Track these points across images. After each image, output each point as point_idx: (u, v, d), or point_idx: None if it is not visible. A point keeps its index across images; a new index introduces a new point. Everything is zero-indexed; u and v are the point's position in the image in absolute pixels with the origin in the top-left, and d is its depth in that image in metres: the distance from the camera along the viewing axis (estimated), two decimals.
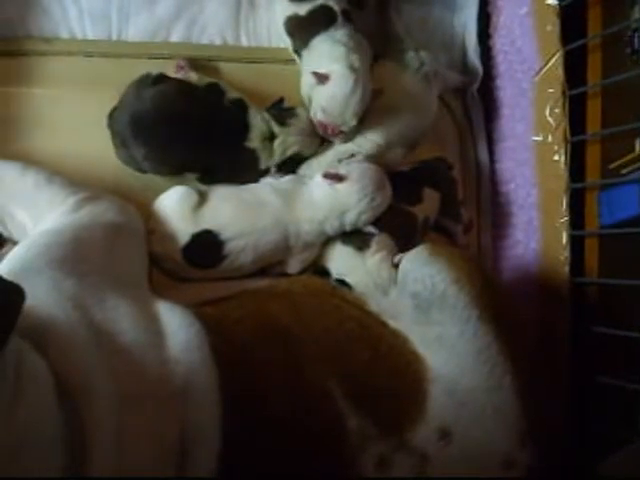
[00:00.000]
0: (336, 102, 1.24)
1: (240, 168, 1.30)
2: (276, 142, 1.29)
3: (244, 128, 1.28)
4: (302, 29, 1.31)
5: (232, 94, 1.29)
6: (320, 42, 1.29)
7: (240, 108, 1.29)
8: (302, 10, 1.30)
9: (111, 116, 1.25)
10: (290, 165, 1.33)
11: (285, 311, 1.09)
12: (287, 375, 0.96)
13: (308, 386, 0.97)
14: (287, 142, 1.30)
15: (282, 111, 1.31)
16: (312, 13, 1.30)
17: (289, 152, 1.31)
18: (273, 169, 1.31)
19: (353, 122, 1.25)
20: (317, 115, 1.27)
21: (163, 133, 1.22)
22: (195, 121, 1.24)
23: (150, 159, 1.23)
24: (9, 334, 0.70)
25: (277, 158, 1.31)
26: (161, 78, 1.26)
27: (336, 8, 1.29)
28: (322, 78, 1.25)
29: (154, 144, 1.22)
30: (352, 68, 1.24)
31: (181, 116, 1.24)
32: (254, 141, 1.28)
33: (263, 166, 1.31)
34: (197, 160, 1.28)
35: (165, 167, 1.26)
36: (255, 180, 1.31)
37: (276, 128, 1.29)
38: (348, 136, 1.30)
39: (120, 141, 1.24)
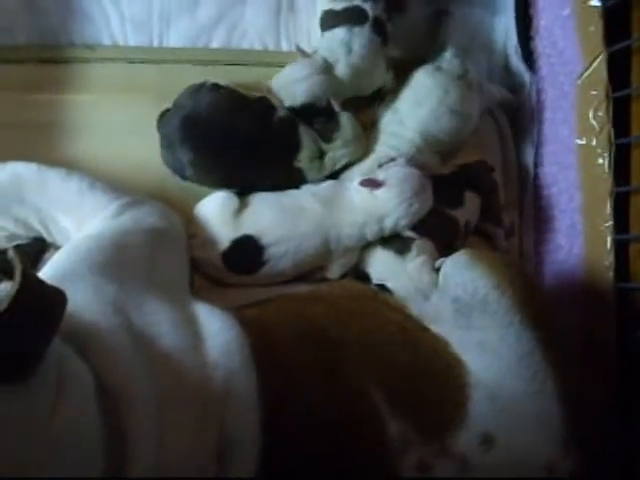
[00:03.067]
0: (285, 76, 1.30)
1: (283, 185, 1.30)
2: (326, 158, 1.30)
3: (294, 148, 1.28)
4: (332, 20, 1.33)
5: (283, 111, 1.29)
6: (337, 32, 1.31)
7: (291, 126, 1.29)
8: (338, 6, 1.32)
9: (162, 118, 1.26)
10: (336, 173, 1.34)
11: (325, 314, 1.08)
12: (327, 379, 0.96)
13: (348, 390, 0.96)
14: (336, 157, 1.30)
15: (326, 124, 1.31)
16: (346, 10, 1.31)
17: (338, 165, 1.32)
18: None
19: (291, 101, 1.29)
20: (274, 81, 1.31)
21: (213, 142, 1.23)
22: (246, 136, 1.25)
23: (196, 166, 1.24)
24: (51, 338, 0.71)
25: (327, 172, 1.32)
26: (217, 86, 1.26)
27: (370, 13, 1.31)
28: (302, 53, 1.31)
29: (202, 151, 1.23)
30: (324, 64, 1.29)
31: (233, 129, 1.24)
32: (303, 161, 1.28)
33: (309, 181, 1.31)
34: (242, 174, 1.28)
35: (210, 177, 1.27)
36: (296, 188, 1.32)
37: (324, 146, 1.29)
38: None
39: (167, 143, 1.25)
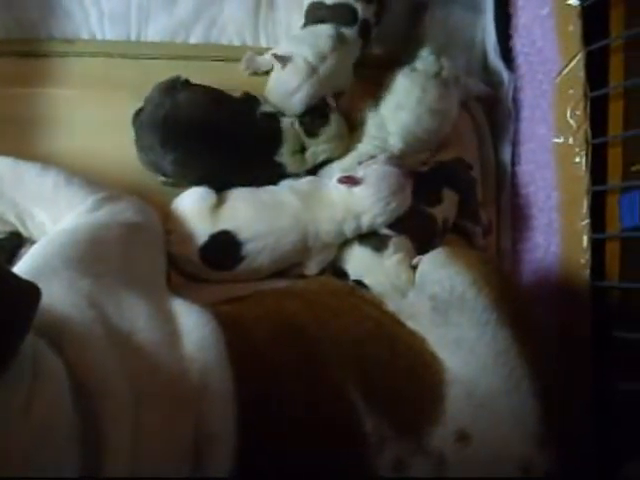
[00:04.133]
0: (278, 90, 1.27)
1: (263, 179, 1.30)
2: (307, 153, 1.30)
3: (276, 142, 1.27)
4: (319, 13, 1.31)
5: (267, 107, 1.28)
6: (323, 28, 1.29)
7: (273, 122, 1.28)
8: (329, 0, 1.30)
9: (136, 118, 1.25)
10: (316, 169, 1.34)
11: (302, 310, 1.08)
12: (303, 374, 0.96)
13: (324, 385, 0.96)
14: (317, 152, 1.30)
15: (316, 119, 1.30)
16: (336, 6, 1.30)
17: (319, 160, 1.32)
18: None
19: (291, 113, 1.26)
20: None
21: (194, 140, 1.23)
22: (227, 132, 1.25)
23: (178, 165, 1.23)
24: (25, 333, 0.70)
25: (307, 167, 1.32)
26: (189, 83, 1.26)
27: (360, 14, 1.30)
28: (282, 60, 1.27)
29: (184, 150, 1.22)
30: (308, 67, 1.26)
31: (213, 125, 1.24)
32: (284, 156, 1.28)
33: (289, 175, 1.31)
34: (224, 170, 1.28)
35: (191, 174, 1.26)
36: (275, 183, 1.31)
37: (306, 140, 1.29)
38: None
39: (147, 144, 1.24)
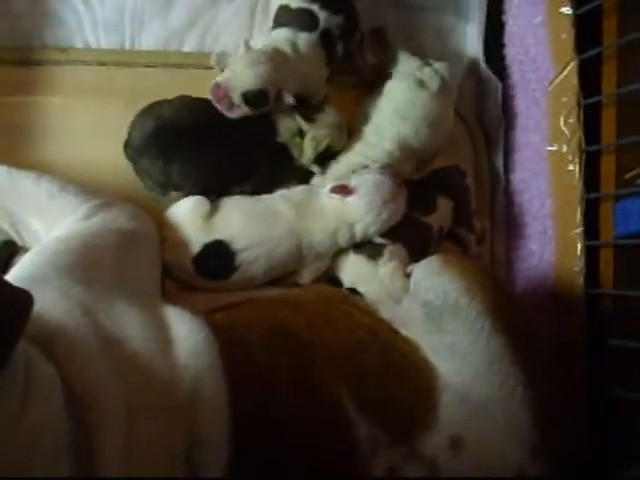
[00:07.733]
0: (241, 62, 1.23)
1: (277, 166, 1.30)
2: (307, 138, 1.29)
3: (268, 124, 1.27)
4: (283, 17, 1.32)
5: None
6: (282, 31, 1.30)
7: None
8: (294, 4, 1.30)
9: (127, 149, 1.26)
10: (326, 160, 1.34)
11: (295, 317, 1.08)
12: (296, 381, 0.95)
13: (317, 392, 0.96)
14: (318, 136, 1.30)
15: (310, 108, 1.31)
16: (298, 11, 1.30)
17: (322, 145, 1.31)
18: (315, 168, 1.33)
19: (247, 86, 1.21)
20: (220, 77, 1.24)
21: (190, 142, 1.23)
22: (219, 127, 1.25)
23: (184, 171, 1.23)
24: (17, 340, 0.70)
25: (311, 153, 1.31)
26: (169, 100, 1.26)
27: (321, 23, 1.29)
28: (247, 48, 1.26)
29: (184, 154, 1.23)
30: (272, 53, 1.25)
31: (204, 124, 1.24)
32: (283, 135, 1.28)
33: (298, 163, 1.31)
34: (230, 166, 1.27)
35: (198, 177, 1.26)
36: (296, 178, 1.32)
37: (304, 125, 1.29)
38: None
39: (146, 165, 1.24)
